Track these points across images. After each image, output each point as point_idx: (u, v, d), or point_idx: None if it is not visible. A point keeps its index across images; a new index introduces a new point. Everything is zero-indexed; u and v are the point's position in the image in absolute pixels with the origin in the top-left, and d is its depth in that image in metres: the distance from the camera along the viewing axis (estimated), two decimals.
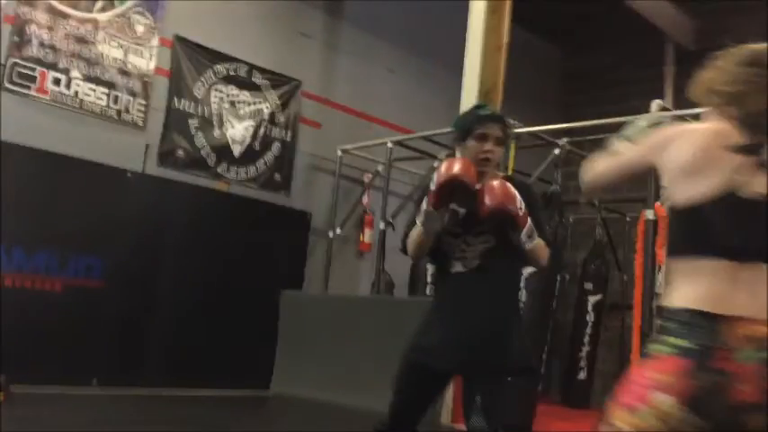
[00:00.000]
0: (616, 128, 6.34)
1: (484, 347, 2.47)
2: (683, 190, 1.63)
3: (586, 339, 7.59)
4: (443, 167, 2.41)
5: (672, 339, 1.58)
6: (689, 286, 1.60)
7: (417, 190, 3.00)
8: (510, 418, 2.43)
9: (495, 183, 2.40)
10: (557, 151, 6.12)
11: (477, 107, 2.73)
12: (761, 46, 1.70)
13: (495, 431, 2.37)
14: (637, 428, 1.56)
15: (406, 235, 2.64)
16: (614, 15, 8.48)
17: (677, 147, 1.67)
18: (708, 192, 1.59)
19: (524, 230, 2.42)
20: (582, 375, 7.58)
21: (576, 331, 7.61)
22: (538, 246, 2.49)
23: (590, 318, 7.51)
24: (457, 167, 2.38)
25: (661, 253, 4.66)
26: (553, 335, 6.59)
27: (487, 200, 2.36)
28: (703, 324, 1.54)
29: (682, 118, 5.57)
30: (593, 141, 6.61)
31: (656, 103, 5.19)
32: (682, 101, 8.68)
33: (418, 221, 2.50)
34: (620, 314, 7.89)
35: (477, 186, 2.43)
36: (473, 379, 2.51)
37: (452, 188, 2.39)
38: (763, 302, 1.53)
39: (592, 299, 7.51)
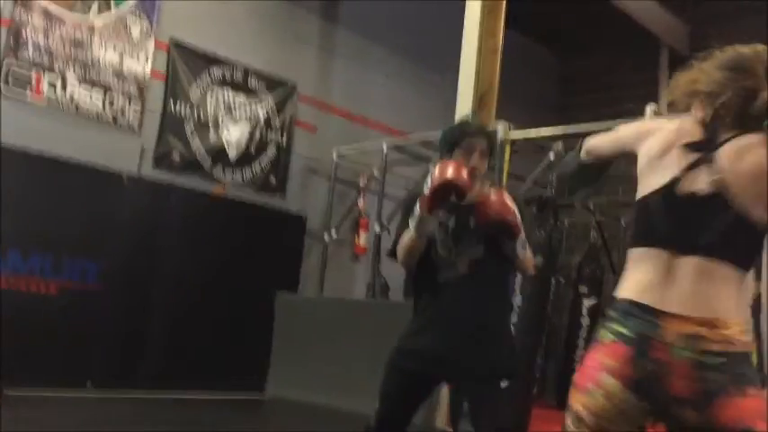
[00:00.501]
0: (608, 131, 6.33)
1: (471, 354, 2.52)
2: (643, 184, 1.69)
3: (581, 342, 7.60)
4: (437, 171, 2.45)
5: (615, 326, 1.65)
6: (633, 276, 1.67)
7: (406, 197, 3.05)
8: (497, 424, 2.49)
9: (495, 195, 2.48)
10: (552, 155, 6.13)
11: (463, 121, 2.89)
12: (744, 49, 1.73)
13: None
14: (588, 409, 1.63)
15: (396, 242, 2.68)
16: (610, 20, 8.52)
17: (650, 142, 1.73)
18: (656, 186, 1.65)
19: (519, 241, 2.52)
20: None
21: (571, 334, 7.62)
22: (527, 256, 2.59)
23: (585, 321, 7.52)
24: (451, 171, 2.43)
25: None
26: (548, 338, 6.61)
27: (490, 212, 2.45)
28: (642, 315, 1.61)
29: None
30: None
31: (650, 108, 5.21)
32: (675, 105, 8.74)
33: (411, 225, 2.54)
34: None
35: (474, 197, 2.51)
36: (461, 385, 2.57)
37: (447, 191, 2.43)
38: (695, 299, 1.58)
39: (587, 302, 7.52)
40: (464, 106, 6.14)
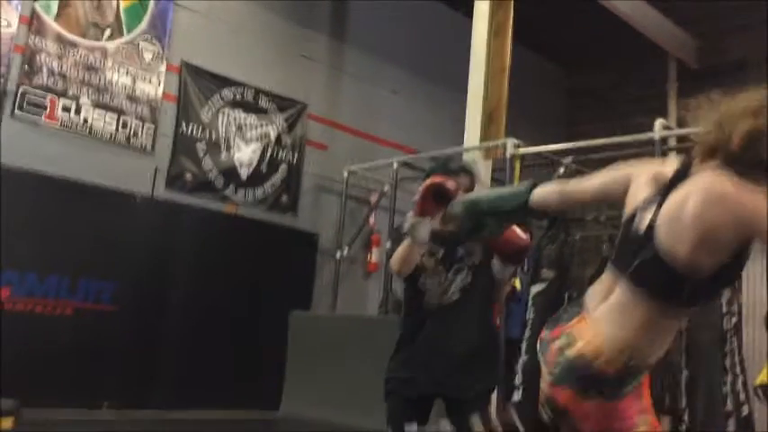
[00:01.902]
0: (619, 147, 6.38)
1: (464, 376, 2.75)
2: (633, 198, 1.83)
3: None
4: (425, 183, 2.64)
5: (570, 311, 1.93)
6: (597, 283, 1.92)
7: (397, 226, 3.21)
8: None
9: (519, 230, 2.72)
10: (561, 170, 6.15)
11: (446, 160, 3.08)
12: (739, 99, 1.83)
13: None
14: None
15: (391, 253, 2.88)
16: (618, 34, 8.56)
17: (640, 178, 1.86)
18: (628, 214, 1.81)
19: (510, 269, 2.82)
20: None
21: None
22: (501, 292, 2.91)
23: None
24: (438, 178, 2.63)
25: None
26: None
27: (519, 241, 2.70)
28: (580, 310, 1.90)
29: (685, 137, 5.62)
30: (596, 160, 6.66)
31: (659, 122, 5.23)
32: (684, 118, 8.75)
33: (405, 229, 2.70)
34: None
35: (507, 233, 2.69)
36: (452, 404, 2.77)
37: (435, 193, 2.59)
38: (600, 314, 1.81)
39: None
40: (473, 124, 6.19)
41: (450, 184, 2.59)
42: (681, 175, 1.71)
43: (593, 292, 1.88)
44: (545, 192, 2.06)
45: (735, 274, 1.80)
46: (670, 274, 1.66)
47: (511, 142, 5.95)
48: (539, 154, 6.28)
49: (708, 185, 1.62)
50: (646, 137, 5.39)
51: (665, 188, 1.70)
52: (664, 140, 5.63)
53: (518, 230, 2.71)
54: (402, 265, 2.77)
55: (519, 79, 6.70)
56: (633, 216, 1.76)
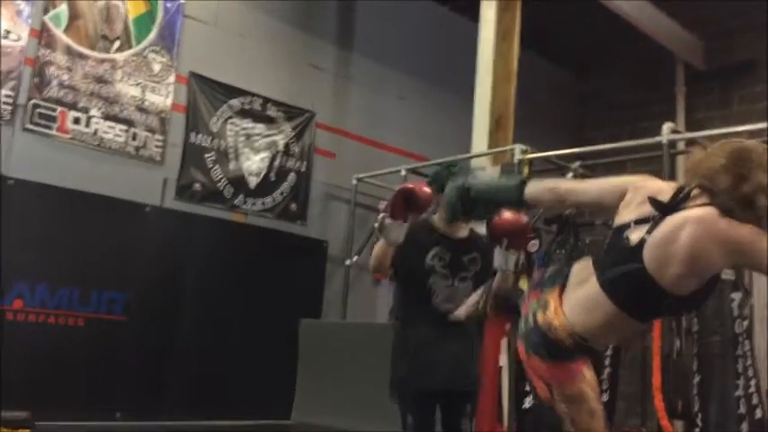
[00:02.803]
0: (627, 151, 6.36)
1: (467, 372, 3.07)
2: (626, 210, 1.98)
3: (607, 361, 7.53)
4: (402, 186, 2.93)
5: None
6: (584, 263, 2.11)
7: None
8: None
9: (506, 212, 2.90)
10: (570, 175, 6.14)
11: (450, 165, 3.21)
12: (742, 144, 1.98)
13: None
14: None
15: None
16: (625, 38, 8.56)
17: (655, 183, 2.03)
18: (618, 224, 1.97)
19: (513, 257, 2.99)
20: (604, 397, 7.52)
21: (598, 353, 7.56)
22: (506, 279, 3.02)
23: None
24: (410, 184, 2.89)
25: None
26: None
27: (505, 221, 2.90)
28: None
29: (693, 141, 5.61)
30: (605, 164, 6.66)
31: (666, 126, 5.22)
32: (693, 121, 8.73)
33: (377, 232, 2.93)
34: (640, 335, 7.84)
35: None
36: (453, 396, 3.04)
37: (405, 198, 2.80)
38: (575, 306, 2.00)
39: None
40: (480, 130, 6.20)
41: (423, 191, 2.79)
42: (679, 203, 1.86)
43: (576, 271, 2.06)
44: (538, 190, 2.22)
45: (706, 296, 1.98)
46: (649, 288, 1.85)
47: (518, 148, 5.95)
48: (547, 159, 6.28)
49: (703, 219, 1.79)
50: (654, 141, 5.38)
51: (663, 211, 1.85)
52: (672, 144, 5.61)
53: (512, 213, 2.89)
54: (377, 264, 3.01)
55: (526, 84, 6.70)
56: (624, 227, 1.91)
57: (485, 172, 2.42)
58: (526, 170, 5.98)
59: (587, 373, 2.14)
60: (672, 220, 1.84)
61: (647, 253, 1.84)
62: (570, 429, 2.15)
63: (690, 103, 9.10)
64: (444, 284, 3.02)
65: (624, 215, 1.95)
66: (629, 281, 1.88)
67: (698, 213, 1.83)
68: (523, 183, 2.24)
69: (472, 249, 3.13)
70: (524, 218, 2.98)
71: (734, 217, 1.82)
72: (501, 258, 2.97)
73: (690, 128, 8.21)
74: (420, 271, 3.03)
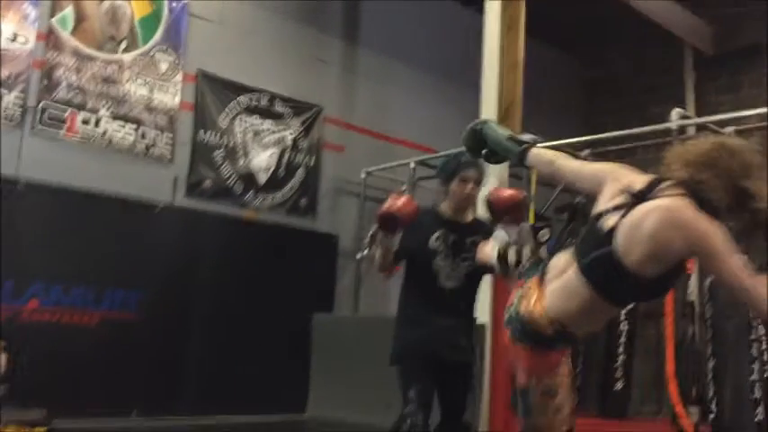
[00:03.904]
0: (636, 138, 6.32)
1: (464, 343, 3.24)
2: (603, 200, 2.06)
3: (621, 349, 7.52)
4: (387, 202, 3.10)
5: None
6: (563, 253, 2.17)
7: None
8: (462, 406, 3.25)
9: (504, 189, 3.22)
10: None
11: (458, 155, 3.35)
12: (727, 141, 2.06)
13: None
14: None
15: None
16: (631, 24, 8.49)
17: (633, 175, 2.08)
18: (595, 212, 2.06)
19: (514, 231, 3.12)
20: (618, 386, 7.51)
21: (610, 341, 7.54)
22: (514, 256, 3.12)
23: (623, 327, 7.44)
24: (397, 204, 3.06)
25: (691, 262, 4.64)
26: (587, 346, 6.56)
27: (502, 196, 3.17)
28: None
29: (703, 126, 5.57)
30: (615, 151, 6.63)
31: (675, 112, 5.19)
32: (703, 106, 8.67)
33: (366, 241, 3.22)
34: (653, 322, 7.81)
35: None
36: (450, 366, 3.17)
37: (388, 220, 3.05)
38: (554, 286, 2.10)
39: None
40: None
41: (402, 210, 3.02)
42: (648, 191, 1.96)
43: (556, 263, 2.15)
44: (539, 159, 2.34)
45: (671, 282, 2.07)
46: (618, 271, 1.94)
47: (527, 137, 5.92)
48: (556, 148, 6.25)
49: (670, 208, 1.89)
50: (663, 127, 5.35)
51: (633, 200, 1.95)
52: (682, 130, 5.58)
53: (509, 190, 3.16)
54: (381, 264, 3.23)
55: (533, 73, 6.67)
56: (600, 216, 2.00)
57: (500, 127, 2.49)
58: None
59: (564, 367, 2.28)
60: (642, 207, 1.92)
61: (618, 237, 1.93)
62: (536, 421, 2.28)
63: (699, 88, 9.03)
64: (447, 264, 3.18)
65: (601, 204, 2.04)
66: (601, 264, 1.97)
67: (667, 202, 1.91)
68: (525, 150, 2.37)
69: (475, 232, 3.25)
70: (521, 194, 3.23)
71: (710, 210, 1.91)
72: (501, 234, 3.13)
73: (700, 112, 8.15)
74: (425, 253, 3.19)
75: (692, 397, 4.44)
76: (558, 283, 2.08)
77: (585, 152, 6.11)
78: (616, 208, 1.98)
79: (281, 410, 6.71)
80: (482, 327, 5.70)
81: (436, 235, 3.19)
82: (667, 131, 5.26)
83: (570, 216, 6.02)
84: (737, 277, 1.88)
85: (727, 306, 4.35)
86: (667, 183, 1.96)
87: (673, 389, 4.35)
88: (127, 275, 6.15)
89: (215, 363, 6.53)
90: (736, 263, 1.88)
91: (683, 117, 5.32)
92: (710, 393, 4.24)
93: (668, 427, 4.54)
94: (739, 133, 5.02)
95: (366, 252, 3.32)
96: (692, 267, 4.77)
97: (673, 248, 1.90)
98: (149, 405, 6.09)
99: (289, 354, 6.92)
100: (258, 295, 6.87)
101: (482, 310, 5.56)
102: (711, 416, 4.25)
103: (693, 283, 5.04)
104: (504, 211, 3.13)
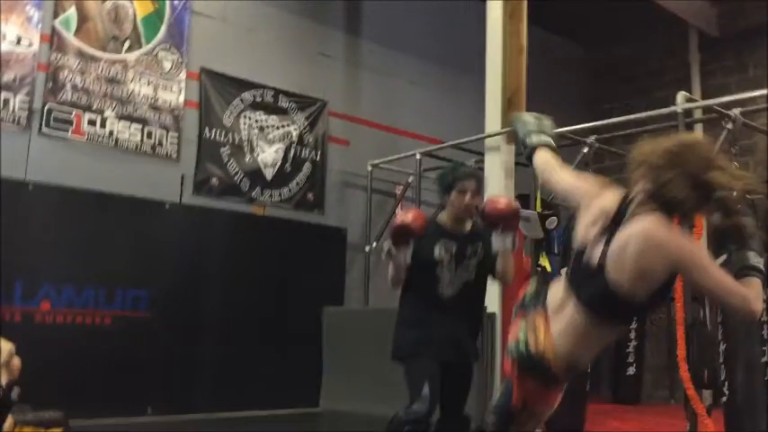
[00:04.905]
0: (641, 122, 6.28)
1: (467, 345, 3.38)
2: (585, 229, 2.12)
3: (632, 334, 7.53)
4: (398, 217, 3.26)
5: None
6: (554, 285, 2.24)
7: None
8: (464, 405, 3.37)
9: (500, 197, 3.40)
10: (585, 149, 6.11)
11: (455, 167, 3.55)
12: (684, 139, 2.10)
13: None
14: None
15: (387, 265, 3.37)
16: (634, 8, 8.44)
17: (607, 196, 2.12)
18: (582, 240, 2.11)
19: (509, 236, 3.28)
20: (631, 370, 7.52)
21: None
22: (510, 262, 3.36)
23: None
24: (409, 217, 3.21)
25: (699, 227, 4.63)
26: None
27: (498, 204, 3.31)
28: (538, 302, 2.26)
29: (709, 108, 5.54)
30: (621, 137, 6.61)
31: (681, 95, 5.16)
32: (708, 89, 8.62)
33: (384, 255, 3.29)
34: (664, 307, 7.81)
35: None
36: (453, 367, 3.30)
37: (402, 233, 3.17)
38: (560, 328, 2.14)
39: None
40: (493, 109, 6.17)
41: (415, 221, 3.17)
42: (621, 214, 2.01)
43: (554, 294, 2.20)
44: (539, 165, 2.42)
45: (664, 295, 2.12)
46: (615, 300, 2.01)
47: (537, 138, 5.90)
48: (561, 135, 6.23)
49: (646, 233, 1.93)
50: (668, 111, 5.32)
51: (611, 226, 2.01)
52: (688, 113, 5.55)
53: (503, 199, 3.30)
54: (395, 281, 3.37)
55: (537, 61, 6.65)
56: (584, 249, 2.07)
57: (531, 119, 2.52)
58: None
59: (559, 396, 2.35)
60: (621, 235, 1.98)
61: (608, 271, 1.99)
62: (509, 428, 2.35)
63: (705, 71, 8.98)
64: (449, 274, 3.31)
65: (581, 233, 2.11)
66: (599, 298, 2.04)
67: (640, 226, 1.96)
68: (532, 153, 2.45)
69: (475, 240, 3.38)
70: (514, 203, 3.37)
71: (681, 212, 1.98)
72: (499, 241, 3.29)
73: (706, 95, 8.11)
74: (428, 263, 3.30)
75: (703, 380, 4.44)
76: (562, 324, 2.13)
77: (591, 138, 6.08)
78: (597, 239, 2.04)
79: (295, 404, 6.75)
80: (492, 316, 5.73)
81: (439, 245, 3.31)
82: (673, 115, 5.23)
83: None
84: (721, 287, 1.93)
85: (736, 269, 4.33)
86: (636, 199, 2.00)
87: (684, 373, 4.34)
88: (138, 274, 6.19)
89: (228, 358, 6.56)
90: (716, 273, 1.94)
91: (689, 100, 5.29)
92: (722, 376, 4.23)
93: (681, 412, 4.54)
94: (745, 114, 4.99)
95: (390, 268, 3.37)
96: (701, 232, 4.76)
97: (657, 270, 1.96)
98: (164, 402, 6.13)
99: (301, 347, 6.95)
100: (269, 290, 6.90)
101: (491, 300, 5.60)
102: (724, 399, 4.25)
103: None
104: (498, 221, 3.26)
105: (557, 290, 2.19)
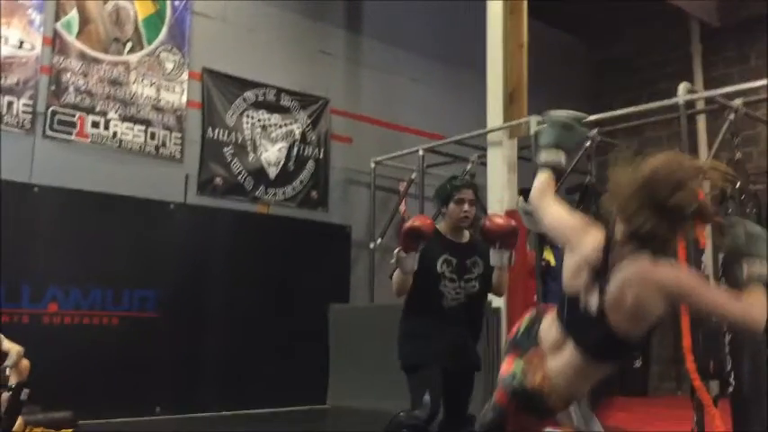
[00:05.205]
0: (644, 115, 6.26)
1: (470, 355, 3.49)
2: (572, 274, 2.12)
3: None
4: (409, 222, 3.37)
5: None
6: (549, 323, 2.23)
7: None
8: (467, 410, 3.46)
9: (498, 215, 3.55)
10: (588, 143, 6.11)
11: (451, 179, 3.65)
12: (652, 164, 2.00)
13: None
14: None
15: (392, 272, 3.44)
16: (635, 1, 8.43)
17: (589, 240, 2.10)
18: (573, 290, 2.11)
19: (507, 253, 3.40)
20: (637, 363, 7.52)
21: None
22: (505, 277, 3.48)
23: None
24: (418, 221, 3.33)
25: (703, 236, 4.64)
26: None
27: (497, 223, 3.42)
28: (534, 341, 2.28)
29: (711, 99, 5.54)
30: (624, 129, 6.61)
31: (682, 86, 5.16)
32: (711, 80, 8.61)
33: (392, 262, 3.35)
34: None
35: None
36: (457, 376, 3.41)
37: (414, 236, 3.26)
38: (558, 367, 2.16)
39: None
40: (494, 104, 6.18)
41: (426, 224, 3.28)
42: (606, 260, 2.02)
43: (547, 331, 2.21)
44: (540, 189, 2.35)
45: (657, 327, 2.12)
46: (617, 343, 2.05)
47: (534, 120, 5.92)
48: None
49: (639, 275, 1.96)
50: (670, 102, 5.32)
51: (601, 273, 2.02)
52: (690, 104, 5.55)
53: (500, 218, 3.41)
54: (400, 290, 3.42)
55: (538, 56, 6.65)
56: (577, 297, 2.08)
57: (555, 132, 2.42)
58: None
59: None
60: (614, 284, 2.00)
61: (611, 319, 2.01)
62: None
63: (707, 61, 8.97)
64: (452, 287, 3.41)
65: (570, 280, 2.11)
66: (604, 344, 2.07)
67: (632, 272, 1.98)
68: (543, 165, 2.42)
69: (473, 253, 3.48)
70: (512, 222, 3.46)
71: (660, 245, 1.99)
72: (496, 257, 3.40)
73: (708, 86, 8.10)
74: (432, 276, 3.40)
75: (710, 371, 4.44)
76: (560, 363, 2.15)
77: (593, 131, 6.08)
78: (589, 287, 2.05)
79: (303, 401, 6.78)
80: (497, 310, 5.75)
81: (441, 259, 3.41)
82: (675, 107, 5.23)
83: (581, 197, 6.02)
84: (718, 304, 1.95)
85: (740, 277, 4.34)
86: (618, 240, 2.02)
87: (690, 364, 4.35)
88: (144, 275, 6.22)
89: (235, 357, 6.59)
90: (710, 293, 1.97)
91: (690, 92, 5.29)
92: (728, 367, 4.24)
93: (688, 403, 4.55)
94: (747, 105, 4.99)
95: (395, 275, 3.44)
96: (705, 242, 4.76)
97: (654, 306, 1.98)
98: (172, 401, 6.16)
99: (307, 345, 6.97)
100: (274, 288, 6.93)
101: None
102: (730, 389, 4.26)
103: (707, 257, 5.04)
104: (496, 238, 3.37)
105: (549, 327, 2.22)
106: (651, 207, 1.93)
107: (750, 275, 2.06)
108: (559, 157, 2.39)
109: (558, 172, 2.42)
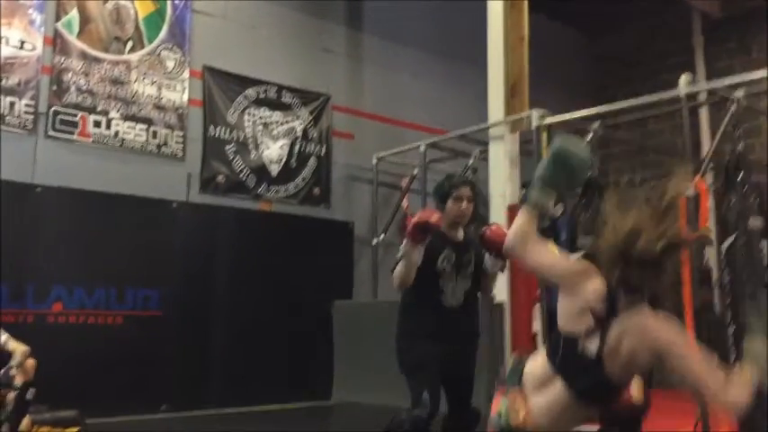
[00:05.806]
0: (646, 107, 6.23)
1: (467, 354, 3.55)
2: (572, 318, 2.17)
3: None
4: (417, 215, 3.41)
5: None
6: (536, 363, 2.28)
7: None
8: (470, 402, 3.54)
9: (494, 226, 3.57)
10: (590, 136, 6.10)
11: (449, 177, 3.74)
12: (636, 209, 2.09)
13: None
14: None
15: (395, 265, 3.47)
16: None
17: (590, 287, 2.15)
18: (570, 330, 2.15)
19: (501, 263, 3.51)
20: None
21: None
22: (494, 280, 3.66)
23: None
24: (426, 215, 3.37)
25: (705, 228, 4.63)
26: None
27: (490, 233, 3.45)
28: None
29: (712, 91, 5.53)
30: (625, 122, 6.59)
31: (684, 78, 5.15)
32: (713, 71, 8.58)
33: (399, 256, 3.39)
34: (671, 291, 7.80)
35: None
36: (454, 374, 3.46)
37: (422, 228, 3.31)
38: (543, 405, 2.19)
39: None
40: (496, 98, 6.18)
41: (434, 218, 3.31)
42: (610, 310, 2.08)
43: (535, 368, 2.26)
44: (524, 229, 2.30)
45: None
46: (608, 387, 2.15)
47: (536, 113, 5.92)
48: (565, 122, 6.23)
49: (638, 328, 2.03)
50: (671, 94, 5.31)
51: (603, 321, 2.08)
52: (692, 96, 5.53)
53: (499, 229, 3.44)
54: (401, 284, 3.45)
55: (540, 49, 6.64)
56: (575, 339, 2.12)
57: (552, 173, 2.30)
58: (545, 135, 5.92)
59: None
60: (615, 332, 2.06)
61: (608, 367, 2.08)
62: None
63: (709, 53, 8.94)
64: (451, 284, 3.48)
65: (567, 323, 2.17)
66: (598, 389, 2.15)
67: (633, 324, 2.05)
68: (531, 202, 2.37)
69: (468, 250, 3.56)
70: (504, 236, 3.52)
71: (652, 292, 2.09)
72: (491, 263, 3.52)
73: (711, 77, 8.08)
74: (432, 273, 3.45)
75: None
76: (546, 400, 2.21)
77: (596, 124, 6.07)
78: (589, 333, 2.10)
79: (308, 397, 6.80)
80: (500, 306, 5.76)
81: (442, 256, 3.47)
82: (676, 99, 5.22)
83: (583, 191, 6.01)
84: (704, 379, 1.98)
85: (743, 270, 4.35)
86: (618, 293, 2.09)
87: None
88: (148, 274, 6.23)
89: (240, 354, 6.61)
90: (696, 363, 2.00)
91: (691, 83, 5.27)
92: (732, 359, 4.24)
93: (692, 396, 4.55)
94: (749, 97, 4.97)
95: (399, 267, 3.46)
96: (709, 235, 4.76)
97: (644, 358, 2.07)
98: (178, 399, 6.18)
99: (311, 341, 6.99)
100: (278, 285, 6.94)
101: (500, 290, 5.62)
102: None
103: (710, 249, 5.03)
104: (494, 247, 3.42)
105: (537, 365, 2.28)
106: (627, 262, 2.03)
107: (749, 351, 2.08)
108: (550, 200, 2.32)
109: (541, 214, 2.33)
